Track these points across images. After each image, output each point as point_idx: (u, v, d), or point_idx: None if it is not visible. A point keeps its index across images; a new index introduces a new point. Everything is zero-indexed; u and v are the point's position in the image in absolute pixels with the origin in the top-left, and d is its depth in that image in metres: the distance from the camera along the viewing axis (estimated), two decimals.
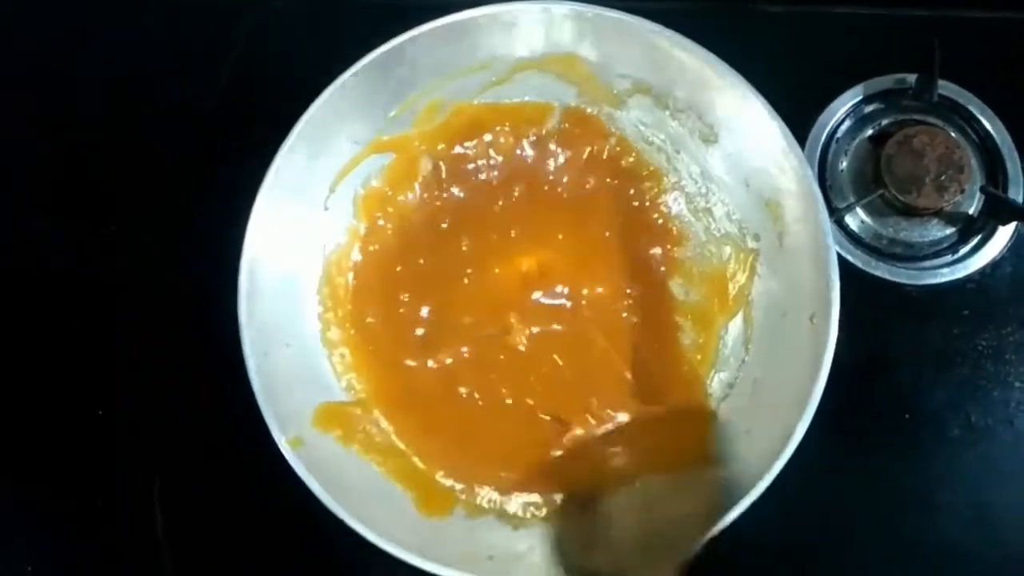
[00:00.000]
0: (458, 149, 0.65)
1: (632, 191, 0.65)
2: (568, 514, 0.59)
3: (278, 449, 0.55)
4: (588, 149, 0.66)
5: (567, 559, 0.56)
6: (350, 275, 0.64)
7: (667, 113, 0.64)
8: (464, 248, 0.64)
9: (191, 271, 0.65)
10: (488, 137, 0.65)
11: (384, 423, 0.62)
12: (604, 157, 0.66)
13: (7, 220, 0.70)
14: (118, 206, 0.70)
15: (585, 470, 0.60)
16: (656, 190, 0.65)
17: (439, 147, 0.65)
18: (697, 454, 0.59)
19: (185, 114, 0.70)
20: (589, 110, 0.66)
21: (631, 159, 0.66)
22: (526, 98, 0.65)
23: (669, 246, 0.65)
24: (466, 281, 0.64)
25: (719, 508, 0.53)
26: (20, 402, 0.66)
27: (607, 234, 0.64)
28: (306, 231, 0.62)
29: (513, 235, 0.64)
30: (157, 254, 0.68)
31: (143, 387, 0.66)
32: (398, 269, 0.64)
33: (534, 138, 0.66)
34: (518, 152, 0.66)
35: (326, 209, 0.63)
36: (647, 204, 0.65)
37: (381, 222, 0.65)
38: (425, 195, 0.65)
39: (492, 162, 0.66)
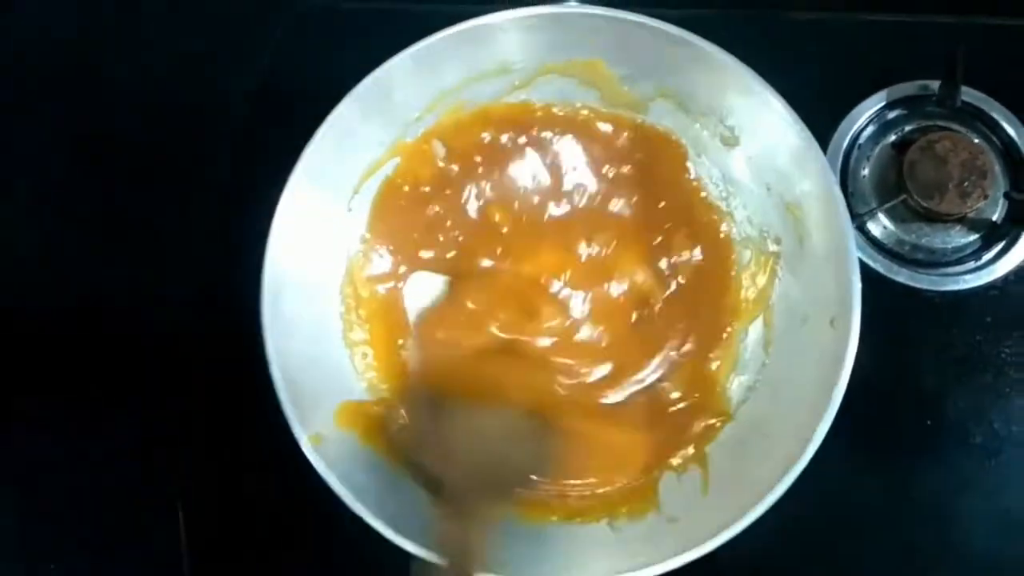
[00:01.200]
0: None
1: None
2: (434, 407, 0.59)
3: (299, 446, 0.55)
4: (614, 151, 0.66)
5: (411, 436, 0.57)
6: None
7: (689, 117, 0.64)
8: (482, 247, 0.65)
9: (215, 270, 0.66)
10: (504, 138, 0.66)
11: (404, 420, 0.62)
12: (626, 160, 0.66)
13: (34, 216, 0.72)
14: (143, 204, 0.71)
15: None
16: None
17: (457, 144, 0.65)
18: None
19: (214, 114, 0.72)
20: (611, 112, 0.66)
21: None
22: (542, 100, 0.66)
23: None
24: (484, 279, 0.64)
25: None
26: (47, 403, 0.67)
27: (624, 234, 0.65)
28: (330, 231, 0.62)
29: (529, 236, 0.65)
30: (181, 253, 0.68)
31: (167, 382, 0.66)
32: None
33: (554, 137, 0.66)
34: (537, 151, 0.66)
35: (349, 210, 0.63)
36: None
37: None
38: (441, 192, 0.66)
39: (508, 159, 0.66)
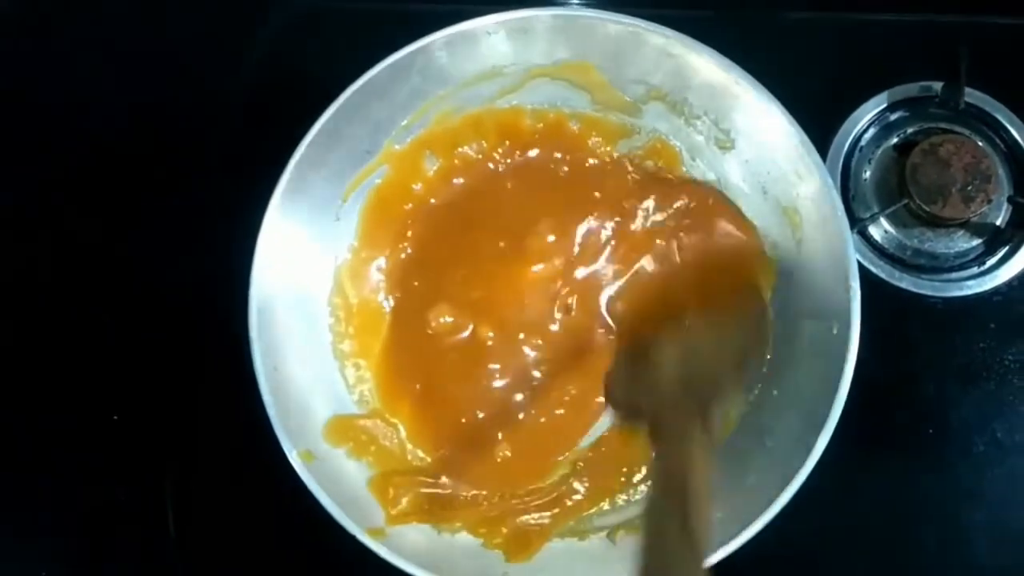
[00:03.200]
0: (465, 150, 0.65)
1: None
2: (620, 361, 0.57)
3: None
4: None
5: (618, 395, 0.55)
6: None
7: (683, 120, 0.63)
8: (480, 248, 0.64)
9: (204, 281, 0.65)
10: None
11: (398, 431, 0.61)
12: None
13: (27, 221, 0.71)
14: (130, 215, 0.70)
15: None
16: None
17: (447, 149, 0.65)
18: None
19: (199, 123, 0.71)
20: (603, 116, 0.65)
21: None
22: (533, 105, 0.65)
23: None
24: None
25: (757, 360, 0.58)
26: (38, 409, 0.67)
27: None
28: (317, 241, 0.62)
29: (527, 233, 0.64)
30: (170, 265, 0.68)
31: (157, 396, 0.66)
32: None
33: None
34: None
35: (337, 219, 0.63)
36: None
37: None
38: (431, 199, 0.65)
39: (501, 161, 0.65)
